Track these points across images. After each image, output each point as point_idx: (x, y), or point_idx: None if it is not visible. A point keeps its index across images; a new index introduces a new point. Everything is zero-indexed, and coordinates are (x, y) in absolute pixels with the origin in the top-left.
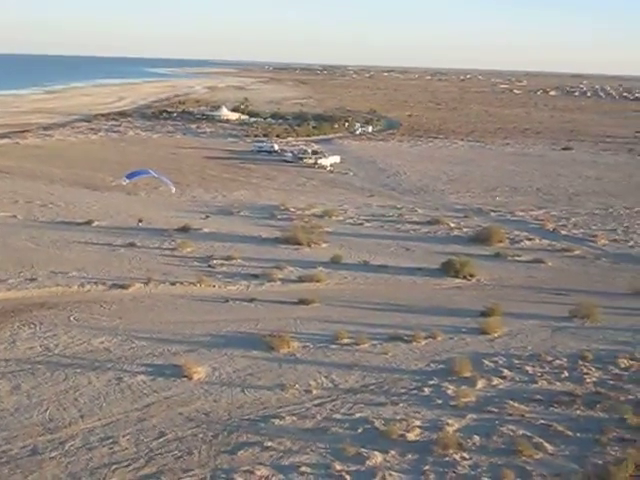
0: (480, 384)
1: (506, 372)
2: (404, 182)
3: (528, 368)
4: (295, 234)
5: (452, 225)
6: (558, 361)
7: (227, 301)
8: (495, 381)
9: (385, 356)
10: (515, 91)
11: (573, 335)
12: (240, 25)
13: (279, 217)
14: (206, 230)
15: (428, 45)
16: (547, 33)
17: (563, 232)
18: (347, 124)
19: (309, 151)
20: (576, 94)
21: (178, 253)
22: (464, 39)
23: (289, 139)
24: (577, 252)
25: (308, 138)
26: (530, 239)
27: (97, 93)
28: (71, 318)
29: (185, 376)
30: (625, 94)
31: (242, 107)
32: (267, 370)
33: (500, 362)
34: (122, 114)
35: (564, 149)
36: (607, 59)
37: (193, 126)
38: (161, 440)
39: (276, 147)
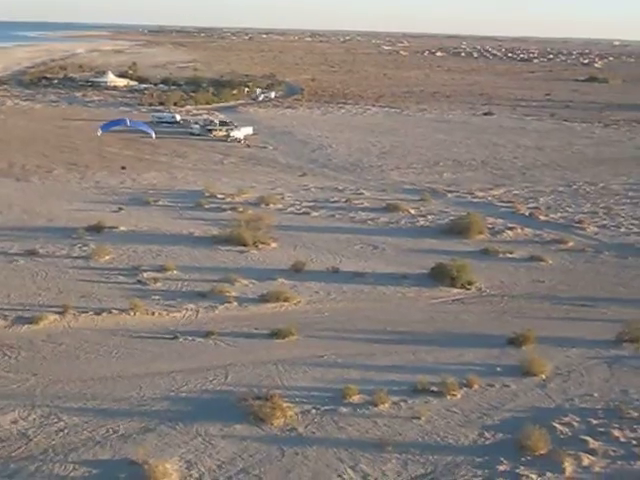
0: (569, 467)
1: (592, 442)
2: (333, 157)
3: (616, 433)
4: (238, 232)
5: (413, 212)
6: None
7: (176, 337)
8: (586, 460)
9: (419, 422)
10: (402, 52)
11: (637, 370)
12: None
13: (207, 207)
14: (123, 228)
15: (301, 7)
16: None
17: (542, 217)
18: (247, 90)
19: (216, 122)
20: (463, 55)
21: (95, 263)
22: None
23: (188, 107)
24: (571, 244)
25: (208, 106)
26: (510, 228)
27: None
28: None
29: None
30: (510, 55)
31: (130, 72)
32: (266, 461)
33: (575, 425)
34: None
35: (485, 114)
36: (480, 20)
37: (78, 94)
38: None
39: (178, 117)
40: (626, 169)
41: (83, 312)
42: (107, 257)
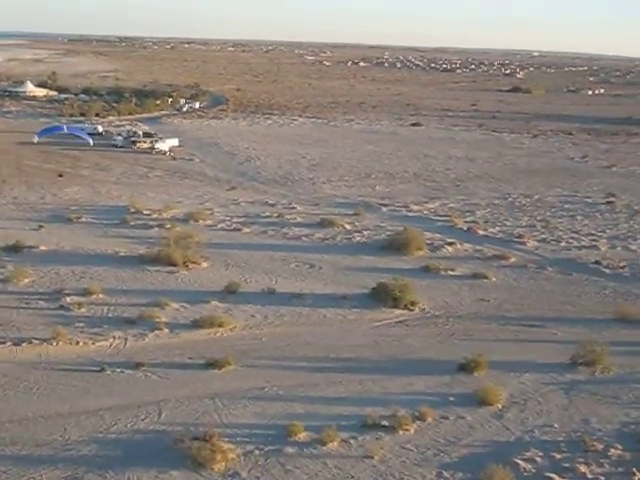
0: None
1: None
2: (262, 169)
3: (582, 468)
4: (166, 251)
5: (348, 227)
6: (613, 450)
7: (103, 369)
8: None
9: (372, 462)
10: (325, 62)
11: (596, 397)
12: None
13: (132, 224)
14: (44, 247)
15: (225, 17)
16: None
17: (480, 232)
18: (171, 100)
19: (140, 133)
20: (386, 65)
21: (13, 287)
22: (263, 11)
23: (110, 118)
24: (513, 260)
25: (131, 117)
26: (450, 243)
27: None
28: None
29: None
30: (432, 65)
31: (49, 82)
32: None
33: (538, 460)
34: None
35: (414, 125)
36: (402, 32)
37: None
38: None
39: (100, 129)
40: (559, 180)
41: (0, 343)
42: (26, 280)
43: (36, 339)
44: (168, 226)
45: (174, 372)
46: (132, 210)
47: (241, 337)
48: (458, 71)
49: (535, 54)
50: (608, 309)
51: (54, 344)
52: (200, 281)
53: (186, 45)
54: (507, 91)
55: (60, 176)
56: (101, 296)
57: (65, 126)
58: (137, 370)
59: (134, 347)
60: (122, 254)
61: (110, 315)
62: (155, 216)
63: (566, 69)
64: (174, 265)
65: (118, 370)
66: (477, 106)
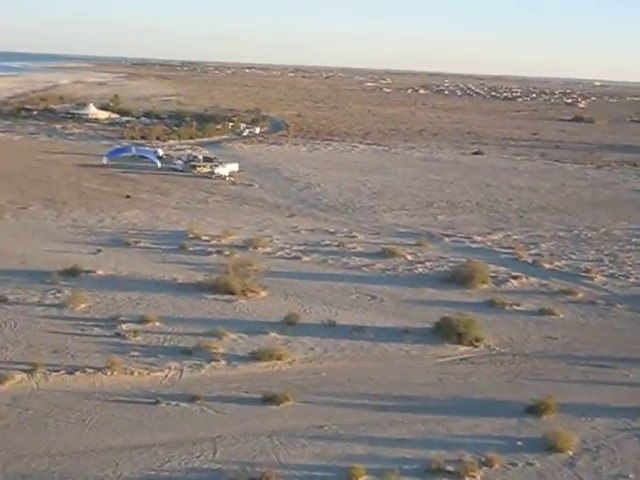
0: None
1: None
2: (322, 196)
3: None
4: (225, 279)
5: (410, 258)
6: None
7: (157, 402)
8: None
9: None
10: (385, 89)
11: None
12: (91, 19)
13: (191, 249)
14: (101, 272)
15: (286, 41)
16: (401, 31)
17: (546, 265)
18: (232, 125)
19: (200, 157)
20: (446, 93)
21: (69, 312)
22: (321, 35)
23: (171, 142)
24: (580, 295)
25: (192, 141)
26: (515, 277)
27: None
28: None
29: None
30: (493, 93)
31: (112, 105)
32: None
33: None
34: None
35: (475, 154)
36: (460, 58)
37: (58, 126)
38: None
39: (160, 152)
40: (625, 213)
41: (54, 371)
42: (83, 305)
43: (90, 368)
44: (227, 253)
45: (230, 407)
46: (191, 235)
47: (300, 371)
48: (519, 99)
49: (597, 83)
50: None
51: (108, 373)
52: (259, 311)
53: (247, 70)
54: (569, 120)
55: (127, 197)
56: (157, 324)
57: (134, 148)
58: (192, 403)
59: (190, 379)
60: (180, 281)
61: (166, 344)
62: (214, 242)
63: (628, 99)
64: (232, 294)
65: (173, 403)
66: (539, 135)
